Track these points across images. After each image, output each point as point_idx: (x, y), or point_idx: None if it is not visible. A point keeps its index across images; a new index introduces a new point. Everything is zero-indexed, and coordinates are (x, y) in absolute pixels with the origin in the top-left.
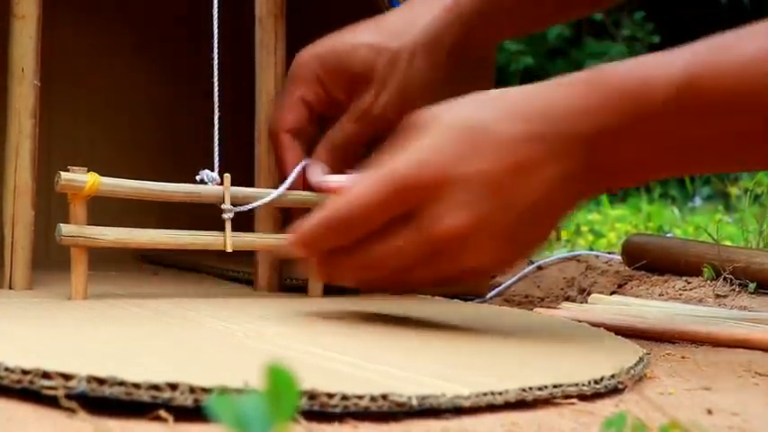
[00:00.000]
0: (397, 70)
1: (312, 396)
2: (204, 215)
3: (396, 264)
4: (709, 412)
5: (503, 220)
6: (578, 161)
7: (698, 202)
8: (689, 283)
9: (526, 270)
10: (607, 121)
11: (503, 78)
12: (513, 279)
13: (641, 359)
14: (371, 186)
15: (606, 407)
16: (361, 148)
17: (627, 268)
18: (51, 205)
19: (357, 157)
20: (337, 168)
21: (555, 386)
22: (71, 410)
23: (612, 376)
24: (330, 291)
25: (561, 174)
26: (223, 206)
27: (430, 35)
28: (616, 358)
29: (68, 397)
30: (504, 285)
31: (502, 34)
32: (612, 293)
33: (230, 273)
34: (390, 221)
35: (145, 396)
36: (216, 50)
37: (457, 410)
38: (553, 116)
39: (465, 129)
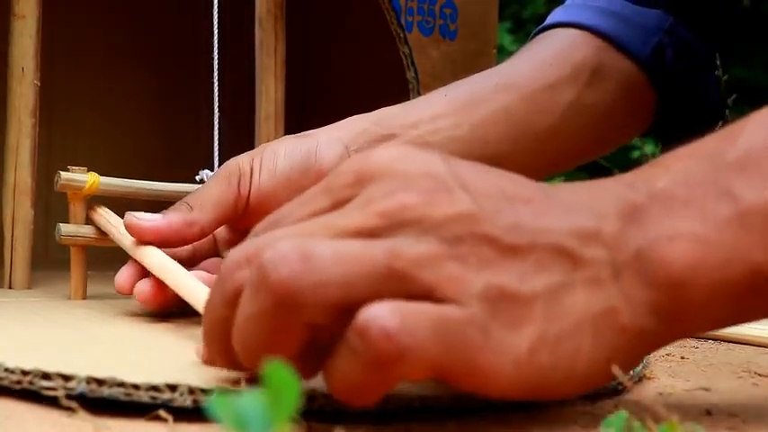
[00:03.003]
0: None
1: (312, 396)
2: None
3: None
4: (709, 413)
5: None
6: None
7: None
8: None
9: None
10: None
11: None
12: None
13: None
14: None
15: (606, 407)
16: None
17: None
18: (51, 205)
19: None
20: None
21: None
22: (71, 410)
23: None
24: None
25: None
26: None
27: None
28: None
29: (68, 398)
30: None
31: None
32: None
33: None
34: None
35: (144, 397)
36: (216, 50)
37: (457, 410)
38: None
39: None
